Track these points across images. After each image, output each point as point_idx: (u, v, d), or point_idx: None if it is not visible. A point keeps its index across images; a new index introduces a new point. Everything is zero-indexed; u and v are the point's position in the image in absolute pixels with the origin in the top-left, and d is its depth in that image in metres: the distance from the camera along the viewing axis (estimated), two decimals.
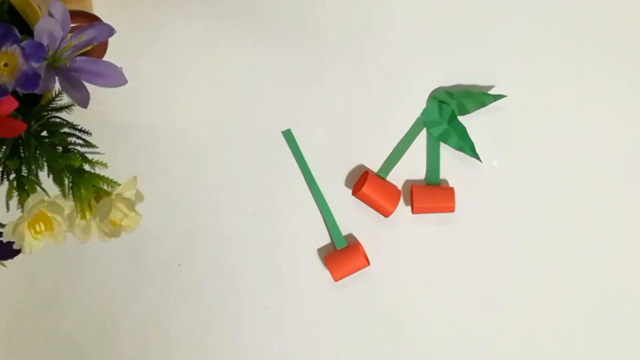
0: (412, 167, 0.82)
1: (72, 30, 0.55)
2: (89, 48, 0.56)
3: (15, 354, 0.83)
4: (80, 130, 0.56)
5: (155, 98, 0.82)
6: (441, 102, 0.82)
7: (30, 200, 0.52)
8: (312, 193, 0.82)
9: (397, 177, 0.82)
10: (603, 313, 0.82)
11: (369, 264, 0.82)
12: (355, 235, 0.83)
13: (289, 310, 0.83)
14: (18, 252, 0.53)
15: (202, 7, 0.82)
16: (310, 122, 0.82)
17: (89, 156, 0.55)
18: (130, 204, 0.55)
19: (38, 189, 0.53)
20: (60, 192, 0.53)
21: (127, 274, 0.83)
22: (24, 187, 0.52)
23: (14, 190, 0.52)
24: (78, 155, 0.53)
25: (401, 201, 0.82)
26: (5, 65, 0.50)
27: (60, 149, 0.54)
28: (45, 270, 0.81)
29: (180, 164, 0.82)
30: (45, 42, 0.52)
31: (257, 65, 0.82)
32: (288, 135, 0.82)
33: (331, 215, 0.82)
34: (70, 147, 0.54)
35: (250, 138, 0.82)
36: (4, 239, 0.52)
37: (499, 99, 0.81)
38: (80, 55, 0.55)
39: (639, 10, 0.83)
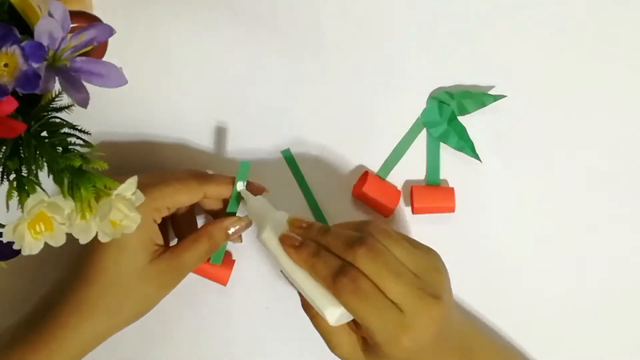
0: (412, 167, 0.82)
1: (72, 30, 0.55)
2: (89, 48, 0.56)
3: None
4: (80, 131, 0.56)
5: (155, 98, 0.82)
6: (441, 102, 0.82)
7: (30, 201, 0.52)
8: (306, 197, 0.82)
9: (397, 177, 0.82)
10: (606, 314, 0.82)
11: None
12: None
13: (289, 310, 0.83)
14: (18, 252, 0.53)
15: (202, 7, 0.82)
16: (310, 122, 0.82)
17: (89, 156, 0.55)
18: (131, 204, 0.55)
19: (38, 189, 0.53)
20: (60, 192, 0.53)
21: None
22: (24, 187, 0.52)
23: (14, 191, 0.52)
24: (78, 155, 0.53)
25: (401, 201, 0.82)
26: (5, 65, 0.50)
27: (60, 149, 0.54)
28: (45, 270, 0.81)
29: (181, 165, 0.82)
30: (45, 42, 0.52)
31: (258, 65, 0.82)
32: (287, 153, 0.82)
33: (323, 216, 0.82)
34: (70, 147, 0.54)
35: (250, 137, 0.82)
36: (4, 239, 0.52)
37: (499, 99, 0.81)
38: (80, 55, 0.55)
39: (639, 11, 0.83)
